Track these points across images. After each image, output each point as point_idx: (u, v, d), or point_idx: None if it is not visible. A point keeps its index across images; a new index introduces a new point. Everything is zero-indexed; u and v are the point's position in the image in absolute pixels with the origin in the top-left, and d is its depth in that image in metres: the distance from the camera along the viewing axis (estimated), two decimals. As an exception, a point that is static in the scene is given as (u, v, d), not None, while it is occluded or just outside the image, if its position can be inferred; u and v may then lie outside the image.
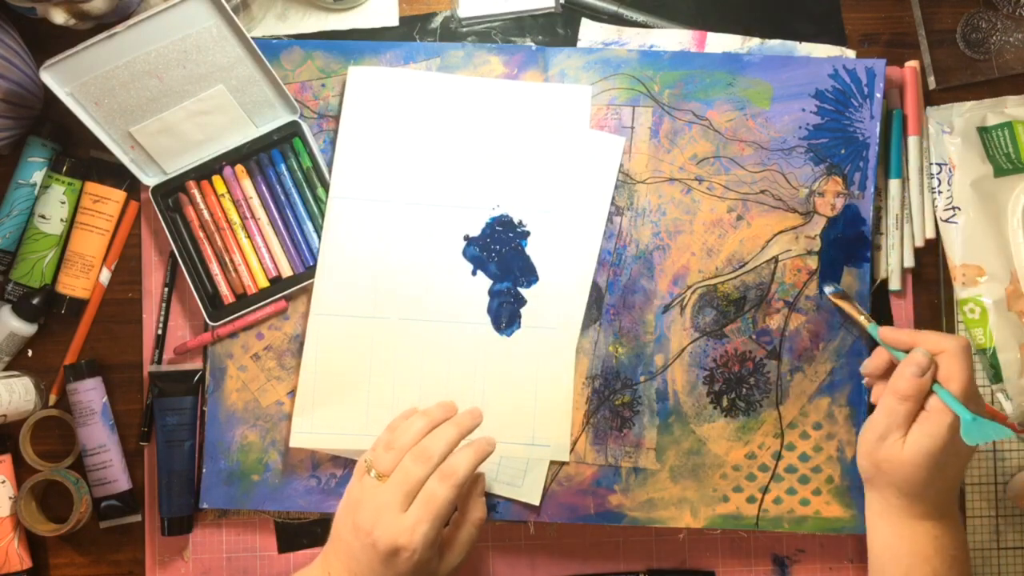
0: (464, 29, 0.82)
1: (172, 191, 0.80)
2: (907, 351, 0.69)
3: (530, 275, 0.78)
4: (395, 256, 0.78)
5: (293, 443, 0.78)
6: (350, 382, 0.78)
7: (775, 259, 0.80)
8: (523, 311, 0.78)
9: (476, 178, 0.79)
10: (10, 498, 0.79)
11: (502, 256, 0.78)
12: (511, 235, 0.79)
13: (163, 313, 0.81)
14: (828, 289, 0.78)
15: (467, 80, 0.79)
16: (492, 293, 0.78)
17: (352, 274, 0.78)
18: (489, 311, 0.78)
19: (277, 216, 0.80)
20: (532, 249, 0.79)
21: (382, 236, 0.78)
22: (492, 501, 0.78)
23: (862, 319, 0.76)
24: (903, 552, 0.68)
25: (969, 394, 0.66)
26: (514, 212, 0.79)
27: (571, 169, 0.79)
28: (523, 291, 0.78)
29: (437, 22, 0.82)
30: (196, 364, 0.81)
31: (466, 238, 0.79)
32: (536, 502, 0.78)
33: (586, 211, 0.79)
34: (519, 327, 0.78)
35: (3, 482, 0.80)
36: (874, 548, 0.71)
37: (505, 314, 0.78)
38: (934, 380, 0.67)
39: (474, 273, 0.78)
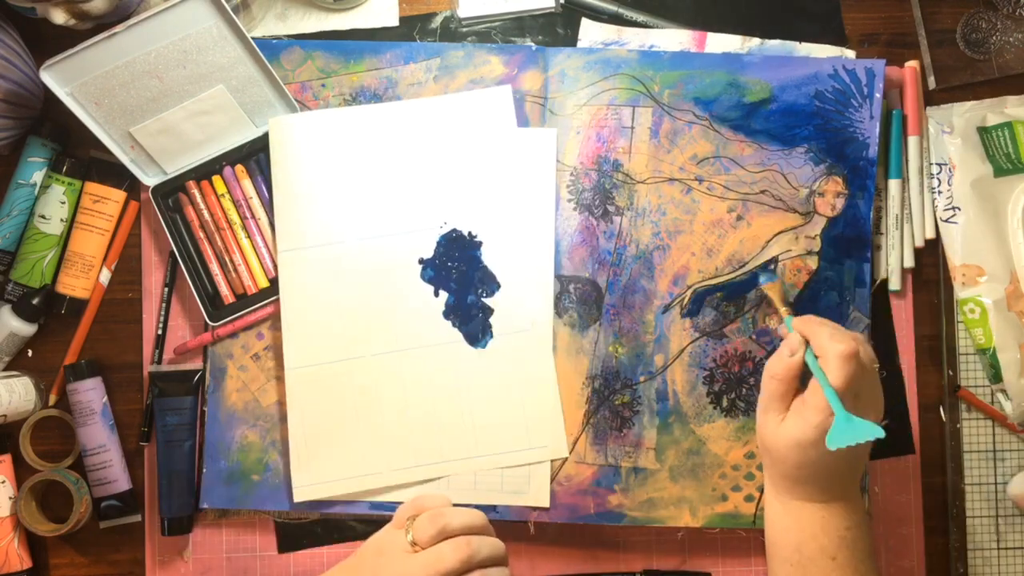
0: (464, 29, 0.82)
1: (172, 191, 0.80)
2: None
3: (491, 283, 0.78)
4: (356, 294, 0.78)
5: (297, 498, 0.77)
6: (339, 428, 0.78)
7: (775, 259, 0.80)
8: (492, 320, 0.78)
9: (418, 200, 0.79)
10: (10, 498, 0.79)
11: (459, 271, 0.78)
12: (464, 248, 0.78)
13: (163, 313, 0.81)
14: (763, 279, 0.78)
15: (386, 107, 0.79)
16: (458, 309, 0.78)
17: (317, 323, 0.78)
18: (459, 327, 0.78)
19: (277, 216, 0.80)
20: (488, 258, 0.78)
21: (338, 278, 0.78)
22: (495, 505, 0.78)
23: (782, 310, 0.74)
24: (791, 528, 0.67)
25: (843, 396, 0.64)
26: (462, 225, 0.78)
27: (508, 170, 0.79)
28: (488, 301, 0.78)
29: (437, 22, 0.82)
30: (196, 364, 0.81)
31: (421, 261, 0.78)
32: (546, 504, 0.78)
33: (533, 208, 0.79)
34: (492, 336, 0.78)
35: (3, 482, 0.80)
36: (767, 521, 0.70)
37: (475, 327, 0.78)
38: (823, 375, 0.65)
39: (436, 294, 0.78)
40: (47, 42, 0.78)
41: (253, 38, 0.76)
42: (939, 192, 0.82)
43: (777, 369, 0.67)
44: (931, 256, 0.83)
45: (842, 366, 0.64)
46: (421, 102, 0.79)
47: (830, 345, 0.65)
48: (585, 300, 0.79)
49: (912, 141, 0.81)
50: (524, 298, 0.78)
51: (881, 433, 0.62)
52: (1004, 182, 0.81)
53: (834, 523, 0.67)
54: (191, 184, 0.80)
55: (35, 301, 0.79)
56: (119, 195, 0.81)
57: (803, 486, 0.67)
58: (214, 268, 0.79)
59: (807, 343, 0.67)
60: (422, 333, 0.78)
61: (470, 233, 0.79)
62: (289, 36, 0.82)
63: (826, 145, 0.80)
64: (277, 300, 0.79)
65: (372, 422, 0.78)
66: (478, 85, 0.80)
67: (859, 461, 0.68)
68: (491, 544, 0.65)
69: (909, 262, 0.81)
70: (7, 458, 0.80)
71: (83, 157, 0.81)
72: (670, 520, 0.78)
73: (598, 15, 0.82)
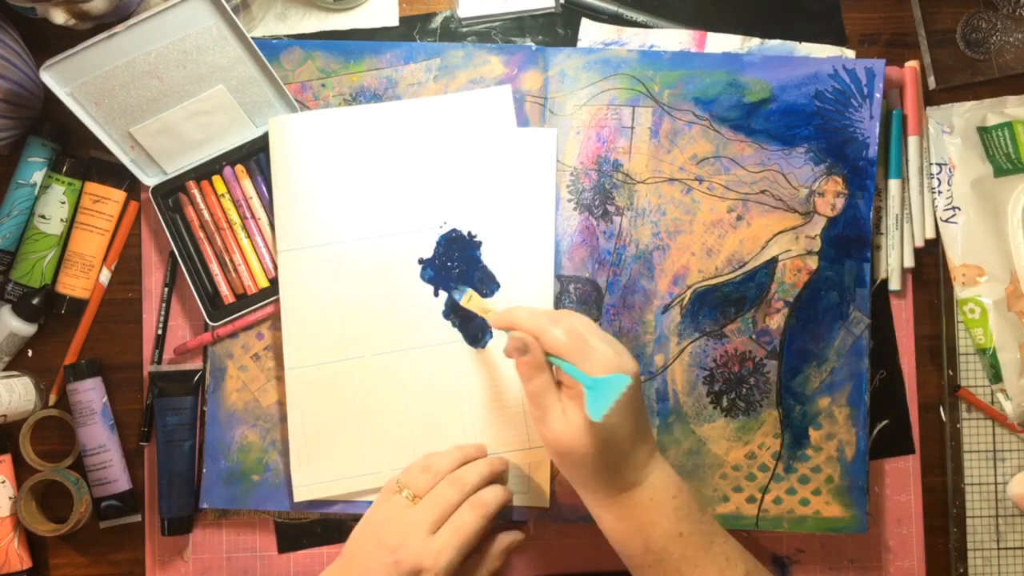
0: (464, 29, 0.82)
1: (172, 191, 0.80)
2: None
3: (491, 283, 0.78)
4: (356, 295, 0.78)
5: (297, 498, 0.77)
6: (339, 427, 0.78)
7: (775, 259, 0.80)
8: None
9: (417, 200, 0.78)
10: (10, 498, 0.79)
11: (460, 271, 0.78)
12: (464, 248, 0.78)
13: (163, 313, 0.81)
14: (457, 296, 0.76)
15: (386, 107, 0.79)
16: (458, 309, 0.78)
17: (317, 323, 0.78)
18: (459, 327, 0.78)
19: (277, 216, 0.80)
20: (488, 257, 0.78)
21: (338, 278, 0.78)
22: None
23: (489, 316, 0.72)
24: (629, 528, 0.66)
25: (574, 354, 0.64)
26: (462, 225, 0.78)
27: (508, 170, 0.79)
28: (488, 301, 0.78)
29: (437, 22, 0.82)
30: (196, 364, 0.81)
31: (420, 261, 0.78)
32: (547, 504, 0.78)
33: (533, 207, 0.78)
34: (492, 336, 0.78)
35: (3, 482, 0.80)
36: (608, 537, 0.68)
37: (475, 327, 0.78)
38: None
39: (436, 294, 0.78)
40: (47, 42, 0.78)
41: (253, 38, 0.76)
42: (939, 192, 0.82)
43: (524, 374, 0.66)
44: (931, 256, 0.83)
45: (560, 336, 0.64)
46: (421, 102, 0.79)
47: (544, 321, 0.66)
48: (585, 300, 0.79)
49: (912, 141, 0.81)
50: (524, 298, 0.78)
51: (628, 379, 0.61)
52: (1004, 182, 0.81)
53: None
54: (191, 184, 0.80)
55: (35, 301, 0.79)
56: (119, 195, 0.81)
57: (617, 470, 0.65)
58: (214, 268, 0.79)
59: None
60: (422, 333, 0.78)
61: (470, 233, 0.78)
62: (289, 36, 0.82)
63: (826, 145, 0.80)
64: (277, 300, 0.79)
65: (372, 422, 0.78)
66: (478, 85, 0.80)
67: (636, 414, 0.66)
68: (478, 468, 0.70)
69: (909, 262, 0.81)
70: (7, 458, 0.80)
71: (83, 157, 0.81)
72: (670, 520, 0.78)
73: (598, 15, 0.82)
